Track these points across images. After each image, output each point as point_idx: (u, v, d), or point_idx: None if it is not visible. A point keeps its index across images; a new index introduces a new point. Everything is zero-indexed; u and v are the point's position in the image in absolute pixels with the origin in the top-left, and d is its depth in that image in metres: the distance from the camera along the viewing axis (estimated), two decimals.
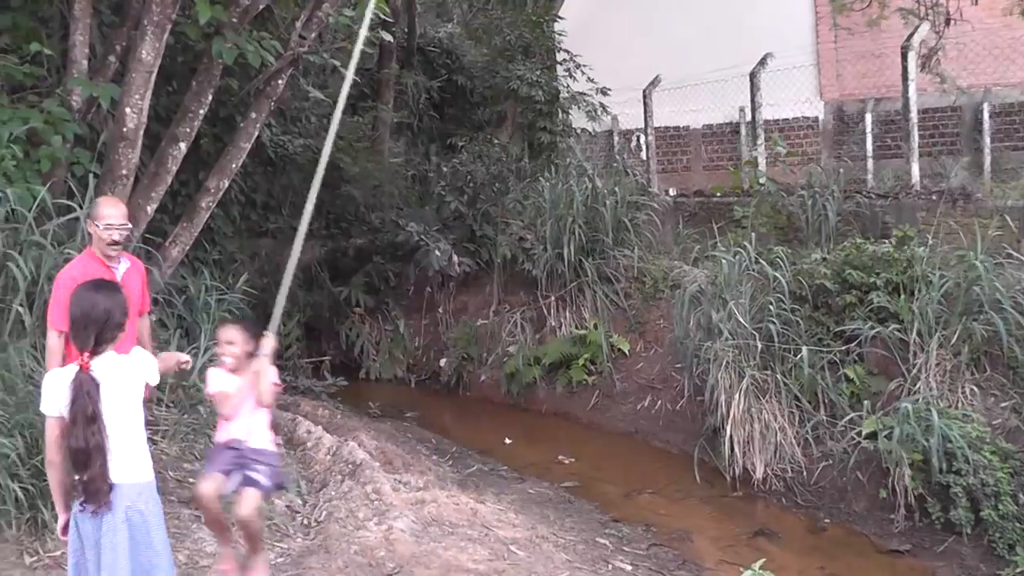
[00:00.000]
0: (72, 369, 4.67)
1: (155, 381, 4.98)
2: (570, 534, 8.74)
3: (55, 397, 4.66)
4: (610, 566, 8.03)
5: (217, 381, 6.10)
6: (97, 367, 4.66)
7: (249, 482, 5.97)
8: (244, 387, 5.99)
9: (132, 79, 9.40)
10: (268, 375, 5.97)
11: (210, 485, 5.90)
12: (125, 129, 9.39)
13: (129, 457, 4.76)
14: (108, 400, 4.66)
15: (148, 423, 5.09)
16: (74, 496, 4.68)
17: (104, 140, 9.67)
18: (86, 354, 4.66)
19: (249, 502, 5.96)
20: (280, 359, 14.04)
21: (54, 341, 5.97)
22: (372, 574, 6.88)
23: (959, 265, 9.98)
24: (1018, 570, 7.82)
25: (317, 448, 9.88)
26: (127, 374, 4.79)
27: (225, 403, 6.02)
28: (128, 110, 9.36)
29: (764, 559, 5.25)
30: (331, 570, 6.86)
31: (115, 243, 6.29)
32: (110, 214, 6.28)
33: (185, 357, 5.91)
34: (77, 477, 4.61)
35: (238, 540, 6.28)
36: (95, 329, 4.68)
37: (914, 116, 13.43)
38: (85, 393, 4.57)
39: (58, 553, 6.25)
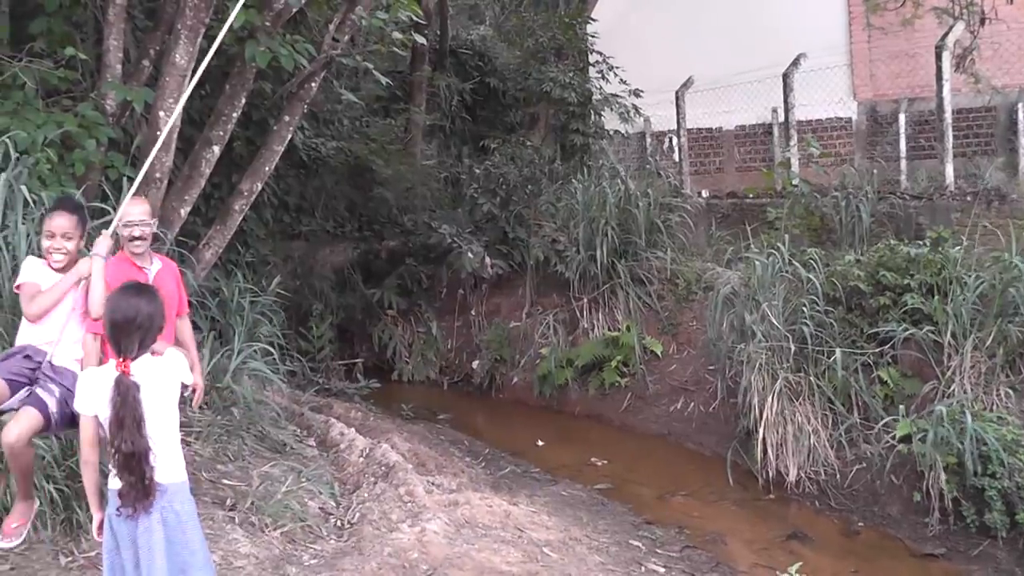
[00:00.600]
0: (109, 370, 4.64)
1: (190, 380, 4.98)
2: (603, 536, 8.72)
3: (91, 397, 4.67)
4: (643, 568, 8.01)
5: (32, 271, 5.54)
6: (135, 370, 4.64)
7: (35, 402, 5.32)
8: (62, 287, 5.48)
9: (166, 83, 9.47)
10: (99, 281, 5.49)
11: None
12: (159, 132, 9.45)
13: (165, 458, 4.74)
14: (146, 403, 4.65)
15: (182, 425, 5.11)
16: (109, 498, 4.67)
17: (138, 144, 9.74)
18: (128, 359, 4.62)
19: (23, 424, 5.25)
20: (313, 361, 14.25)
21: (90, 344, 5.90)
22: None
23: (994, 266, 9.91)
24: None
25: (350, 450, 9.91)
26: (164, 376, 4.77)
27: (33, 301, 5.45)
28: (162, 114, 9.42)
29: (800, 563, 5.25)
30: (364, 572, 6.88)
31: (136, 239, 6.27)
32: (130, 212, 6.22)
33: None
34: (122, 481, 4.58)
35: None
36: (140, 335, 4.66)
37: (948, 116, 13.36)
38: (129, 397, 4.56)
39: (93, 554, 6.28)
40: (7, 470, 5.69)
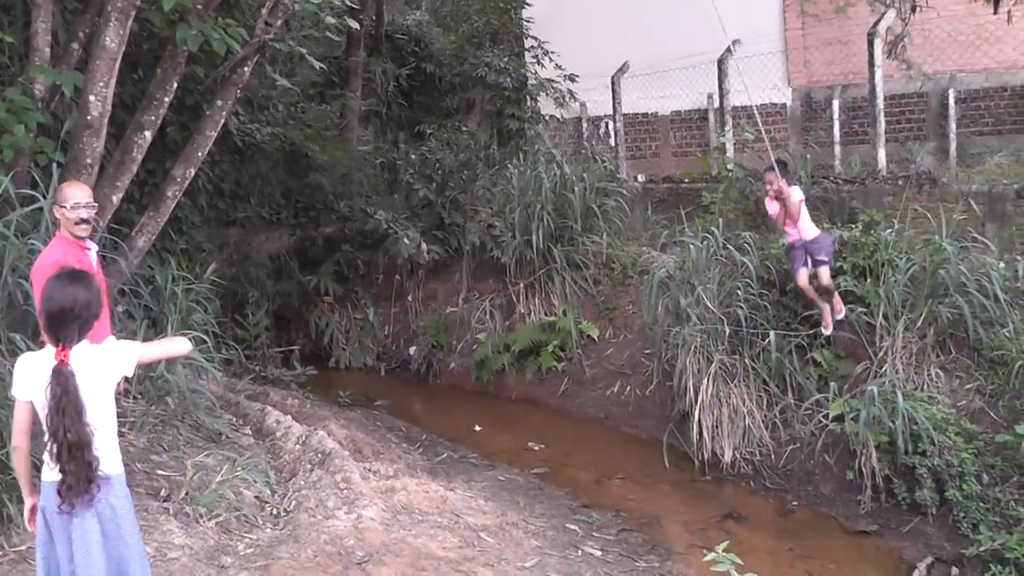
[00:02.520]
0: (47, 357, 4.59)
1: (130, 372, 4.90)
2: (540, 520, 8.75)
3: (27, 382, 4.62)
4: (580, 552, 8.05)
5: None
6: (73, 359, 4.59)
7: None
8: None
9: (96, 67, 9.32)
10: None
11: None
12: (89, 117, 9.31)
13: (104, 449, 4.69)
14: (85, 391, 4.60)
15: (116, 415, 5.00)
16: (43, 491, 4.65)
17: (68, 129, 9.60)
18: (65, 348, 4.58)
19: None
20: (249, 348, 14.17)
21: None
22: (342, 563, 6.87)
23: (925, 249, 10.04)
24: (982, 548, 7.88)
25: (286, 438, 9.85)
26: (102, 365, 4.71)
27: None
28: (92, 98, 9.28)
29: (728, 541, 5.29)
30: (301, 560, 6.85)
31: (84, 222, 6.28)
32: (76, 195, 6.32)
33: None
34: (65, 473, 4.52)
35: None
36: (78, 324, 4.62)
37: (880, 102, 13.50)
38: (66, 387, 4.51)
39: (24, 547, 6.21)
40: None
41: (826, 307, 9.79)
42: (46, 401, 4.53)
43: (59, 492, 4.54)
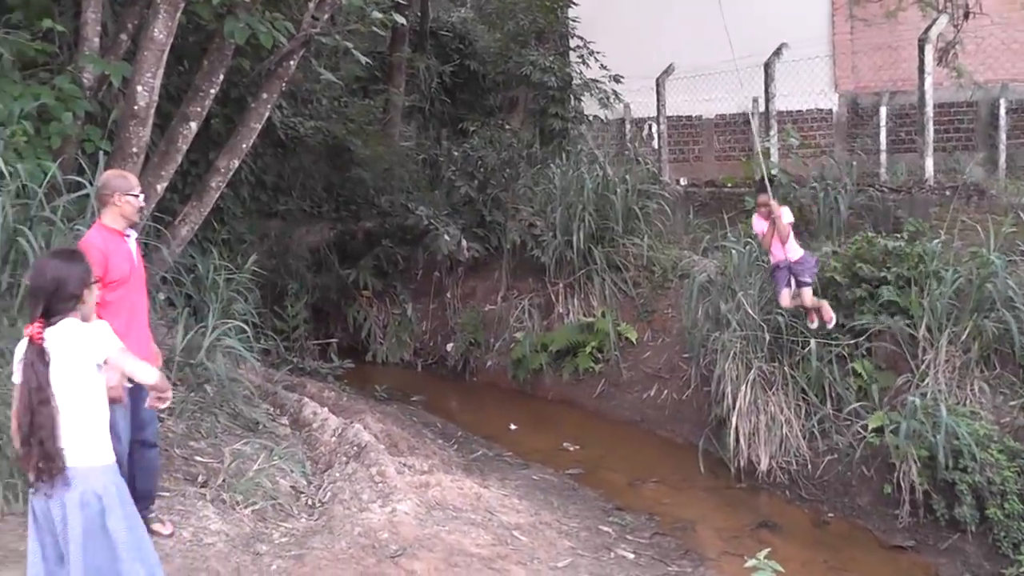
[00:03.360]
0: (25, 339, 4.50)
1: (100, 361, 4.60)
2: (573, 521, 8.73)
3: (17, 364, 4.54)
4: (612, 554, 8.02)
5: None
6: (52, 337, 4.45)
7: None
8: None
9: (144, 57, 9.39)
10: None
11: None
12: (136, 107, 9.38)
13: (84, 438, 4.55)
14: (61, 374, 4.47)
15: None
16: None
17: (115, 118, 9.66)
18: (37, 324, 4.45)
19: None
20: (287, 340, 14.21)
21: None
22: (375, 556, 6.88)
23: (971, 261, 9.94)
24: (1022, 569, 7.79)
25: (323, 429, 9.87)
26: (80, 346, 4.54)
27: None
28: (139, 88, 9.35)
29: (768, 549, 5.24)
30: (334, 551, 6.86)
31: (139, 211, 6.34)
32: (135, 184, 6.33)
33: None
34: (24, 454, 4.45)
35: None
36: (44, 298, 4.49)
37: (929, 110, 13.38)
38: (30, 365, 4.41)
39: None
40: None
41: (822, 304, 9.76)
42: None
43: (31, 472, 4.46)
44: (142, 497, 6.19)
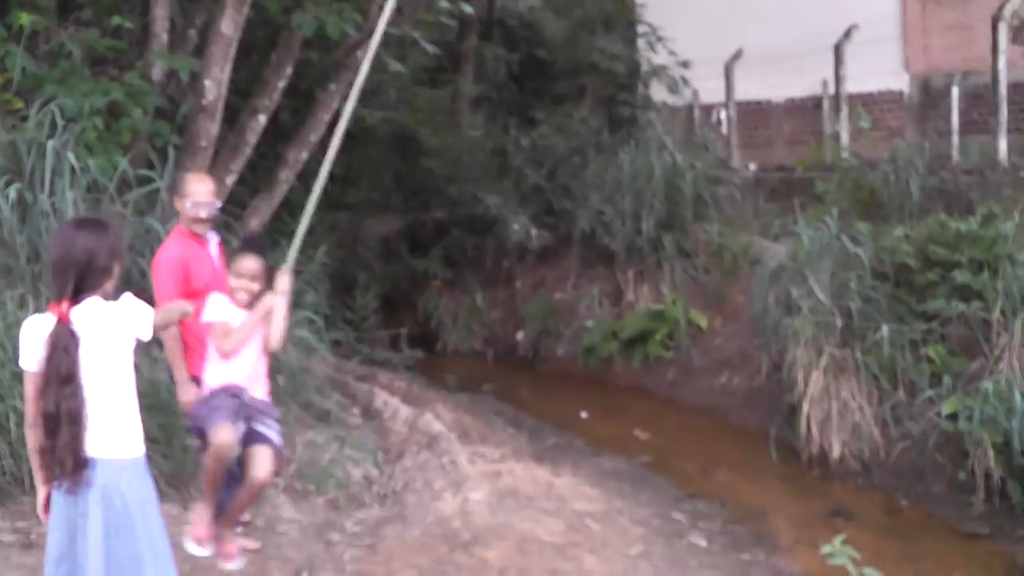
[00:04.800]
0: (50, 318, 4.03)
1: (147, 336, 4.21)
2: (645, 509, 8.73)
3: (31, 349, 4.05)
4: (685, 541, 8.02)
5: (222, 310, 5.36)
6: (79, 318, 4.02)
7: (259, 439, 5.32)
8: (251, 324, 5.33)
9: (212, 52, 9.52)
10: (282, 316, 5.41)
11: (230, 435, 5.15)
12: (204, 102, 9.52)
13: (112, 428, 4.12)
14: (90, 358, 4.04)
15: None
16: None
17: (184, 113, 9.79)
18: (65, 303, 4.01)
19: (269, 464, 5.39)
20: (358, 330, 14.30)
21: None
22: (448, 544, 6.92)
23: None
24: None
25: (394, 419, 9.96)
26: (113, 325, 4.10)
27: (228, 338, 5.28)
28: (208, 83, 9.49)
29: (844, 536, 5.21)
30: (407, 540, 6.92)
31: (200, 220, 6.21)
32: (197, 191, 6.17)
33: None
34: (45, 446, 4.02)
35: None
36: (74, 273, 4.02)
37: (1003, 90, 13.17)
38: (61, 348, 3.96)
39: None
40: None
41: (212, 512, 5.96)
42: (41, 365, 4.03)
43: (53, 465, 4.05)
44: None
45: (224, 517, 5.53)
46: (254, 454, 5.32)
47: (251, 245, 5.66)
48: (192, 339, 5.96)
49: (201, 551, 5.47)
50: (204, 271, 6.09)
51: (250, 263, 5.37)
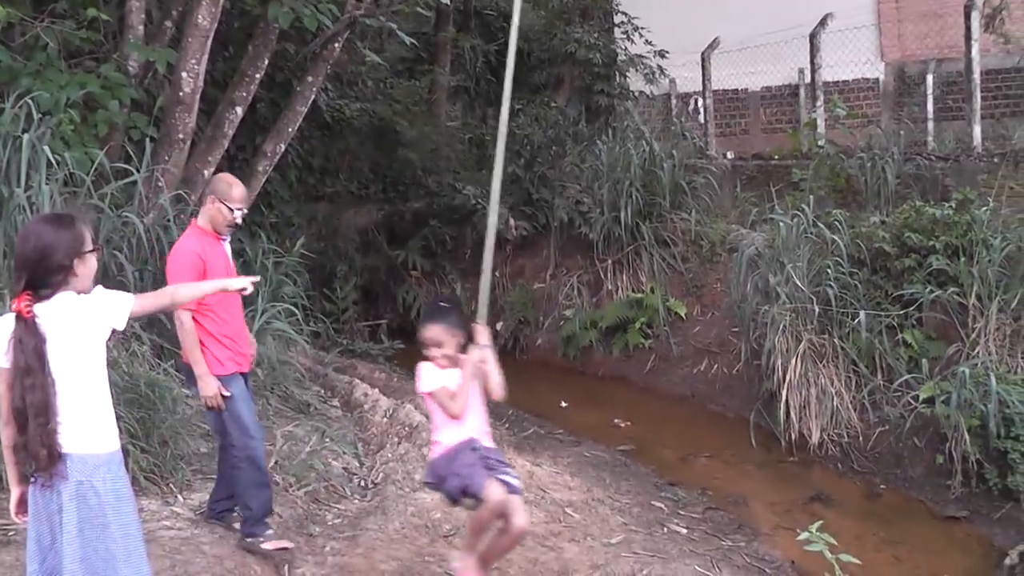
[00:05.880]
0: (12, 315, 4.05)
1: (121, 326, 4.24)
2: (626, 497, 8.75)
3: (1, 346, 4.04)
4: (666, 529, 8.03)
5: (436, 378, 5.53)
6: (45, 313, 4.02)
7: (510, 489, 5.49)
8: (467, 382, 5.53)
9: (188, 44, 9.49)
10: (494, 366, 5.63)
11: (501, 490, 5.37)
12: (181, 94, 9.49)
13: (85, 422, 4.11)
14: (60, 353, 4.04)
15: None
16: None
17: (161, 105, 9.76)
18: (24, 299, 4.01)
19: (524, 511, 5.59)
20: (337, 322, 14.31)
21: (188, 321, 5.96)
22: (429, 536, 6.94)
23: (1021, 228, 9.83)
24: None
25: (374, 411, 9.95)
26: (85, 318, 4.11)
27: (454, 401, 5.47)
28: (184, 75, 9.46)
29: (821, 522, 5.24)
30: (388, 531, 6.93)
31: (234, 225, 6.30)
32: (238, 197, 6.26)
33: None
34: (17, 442, 4.03)
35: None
36: (27, 270, 4.05)
37: (977, 77, 13.21)
38: (19, 342, 3.96)
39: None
40: None
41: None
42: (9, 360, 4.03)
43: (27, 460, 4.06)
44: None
45: (483, 561, 5.70)
46: (511, 505, 5.46)
47: (430, 315, 5.83)
48: (207, 336, 6.07)
49: None
50: (220, 268, 6.14)
51: (431, 332, 5.57)
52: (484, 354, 5.57)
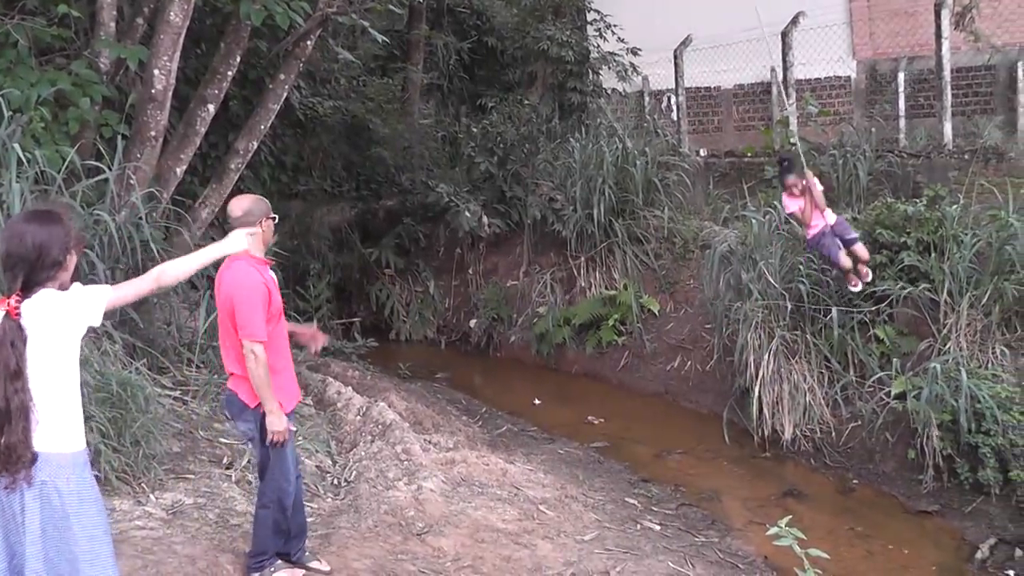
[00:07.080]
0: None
1: (97, 322, 4.20)
2: (599, 494, 8.77)
3: None
4: (639, 526, 8.06)
5: (793, 202, 9.75)
6: (29, 311, 4.00)
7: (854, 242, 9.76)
8: (819, 194, 9.61)
9: (160, 41, 9.44)
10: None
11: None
12: (153, 91, 9.44)
13: (54, 421, 4.08)
14: (37, 351, 4.01)
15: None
16: None
17: (132, 102, 9.71)
18: (14, 298, 3.98)
19: (865, 251, 9.84)
20: (310, 320, 14.22)
21: (261, 353, 5.56)
22: (402, 533, 6.93)
23: (991, 224, 9.89)
24: None
25: (347, 409, 9.93)
26: (62, 317, 4.07)
27: (822, 199, 9.74)
28: (156, 72, 9.40)
29: (790, 516, 5.25)
30: (361, 530, 6.91)
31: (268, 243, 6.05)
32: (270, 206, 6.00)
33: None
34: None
35: None
36: (24, 268, 4.01)
37: (947, 75, 13.30)
38: (8, 343, 3.91)
39: None
40: None
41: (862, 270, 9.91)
42: None
43: None
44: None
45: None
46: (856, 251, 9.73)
47: (786, 170, 9.86)
48: (278, 361, 5.80)
49: None
50: (277, 296, 5.89)
51: (788, 180, 9.64)
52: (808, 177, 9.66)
